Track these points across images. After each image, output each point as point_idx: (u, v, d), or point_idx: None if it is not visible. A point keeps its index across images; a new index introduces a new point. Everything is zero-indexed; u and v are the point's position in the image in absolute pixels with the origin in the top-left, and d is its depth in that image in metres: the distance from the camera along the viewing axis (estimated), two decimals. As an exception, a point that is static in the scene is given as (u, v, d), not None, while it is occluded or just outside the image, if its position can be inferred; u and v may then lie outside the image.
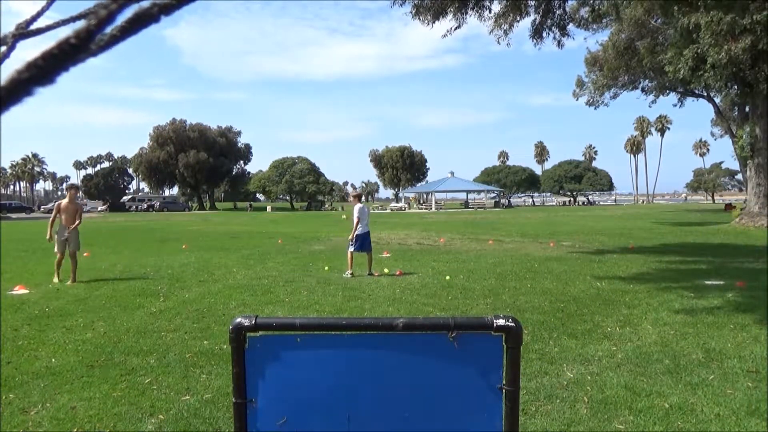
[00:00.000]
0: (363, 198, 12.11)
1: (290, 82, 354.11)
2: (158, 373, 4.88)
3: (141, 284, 9.79)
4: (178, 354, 5.43)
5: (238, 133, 79.10)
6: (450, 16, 13.44)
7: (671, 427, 3.69)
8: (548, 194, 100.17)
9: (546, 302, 7.85)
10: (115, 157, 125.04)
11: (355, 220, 10.85)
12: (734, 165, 53.90)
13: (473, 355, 1.66)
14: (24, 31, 0.88)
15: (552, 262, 12.57)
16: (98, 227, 30.20)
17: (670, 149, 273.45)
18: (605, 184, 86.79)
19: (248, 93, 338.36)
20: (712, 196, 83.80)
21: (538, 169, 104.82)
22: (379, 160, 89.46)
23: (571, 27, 14.96)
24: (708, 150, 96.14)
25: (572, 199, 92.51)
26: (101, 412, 4.04)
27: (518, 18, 14.07)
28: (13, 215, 52.45)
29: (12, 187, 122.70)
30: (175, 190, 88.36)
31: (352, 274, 10.57)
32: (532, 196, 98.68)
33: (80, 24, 0.62)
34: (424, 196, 73.37)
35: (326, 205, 76.41)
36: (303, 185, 75.41)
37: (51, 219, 10.39)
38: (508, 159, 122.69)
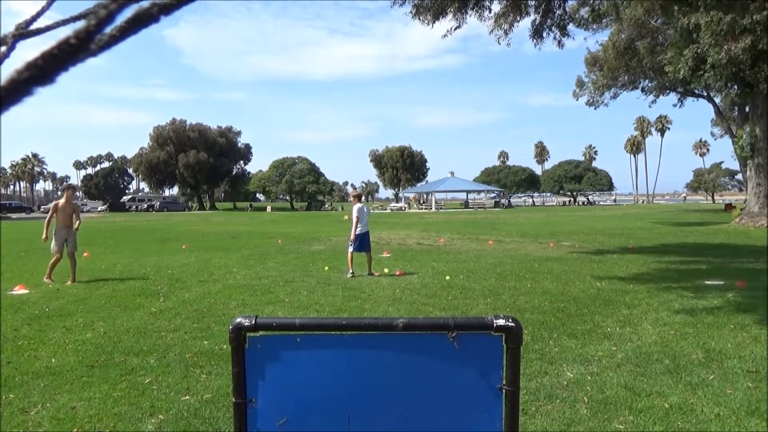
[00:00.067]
0: (363, 198, 12.12)
1: (290, 82, 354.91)
2: (158, 373, 4.88)
3: (141, 284, 9.79)
4: (178, 354, 5.43)
5: (238, 133, 79.12)
6: (450, 16, 13.42)
7: (671, 427, 3.69)
8: (548, 194, 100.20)
9: (546, 302, 7.85)
10: (115, 157, 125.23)
11: (354, 220, 10.86)
12: (734, 165, 53.90)
13: (473, 355, 1.66)
14: (24, 31, 0.88)
15: (552, 262, 12.57)
16: (98, 227, 30.19)
17: (670, 149, 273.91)
18: (605, 184, 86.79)
19: (248, 93, 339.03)
20: (712, 196, 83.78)
21: (538, 169, 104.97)
22: (379, 160, 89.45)
23: (571, 27, 14.93)
24: (708, 150, 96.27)
25: (572, 199, 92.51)
26: (101, 412, 4.04)
27: (518, 18, 14.05)
28: (13, 215, 52.44)
29: (12, 187, 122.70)
30: (175, 190, 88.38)
31: (352, 274, 10.57)
32: (532, 196, 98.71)
33: (80, 24, 0.62)
34: (424, 196, 73.35)
35: (326, 205, 76.40)
36: (303, 185, 75.40)
37: (47, 219, 10.39)
38: (508, 159, 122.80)
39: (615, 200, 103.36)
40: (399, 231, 24.81)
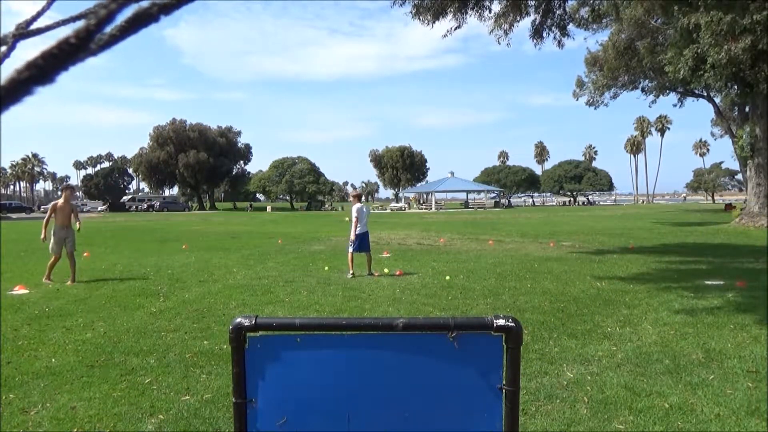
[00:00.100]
0: (363, 198, 12.12)
1: (290, 82, 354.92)
2: (158, 373, 4.88)
3: (141, 284, 9.79)
4: (178, 354, 5.43)
5: (238, 133, 79.14)
6: (450, 16, 13.42)
7: (671, 427, 3.69)
8: (548, 194, 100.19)
9: (546, 302, 7.85)
10: (115, 157, 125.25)
11: (354, 220, 10.86)
12: (734, 165, 53.83)
13: (473, 355, 1.66)
14: (24, 31, 0.88)
15: (552, 262, 12.57)
16: (98, 227, 30.19)
17: (670, 149, 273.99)
18: (605, 184, 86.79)
19: (248, 93, 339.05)
20: (712, 196, 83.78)
21: (538, 169, 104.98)
22: (379, 160, 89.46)
23: (571, 27, 14.95)
24: (708, 150, 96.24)
25: (572, 199, 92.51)
26: (101, 412, 4.04)
27: (518, 18, 14.05)
28: (13, 215, 52.45)
29: (12, 187, 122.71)
30: (175, 190, 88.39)
31: (352, 274, 10.57)
32: (532, 196, 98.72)
33: (80, 24, 0.62)
34: (424, 196, 73.36)
35: (326, 205, 76.40)
36: (303, 185, 75.41)
37: (45, 219, 10.39)
38: (508, 159, 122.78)
39: (615, 200, 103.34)
40: (399, 231, 24.81)
